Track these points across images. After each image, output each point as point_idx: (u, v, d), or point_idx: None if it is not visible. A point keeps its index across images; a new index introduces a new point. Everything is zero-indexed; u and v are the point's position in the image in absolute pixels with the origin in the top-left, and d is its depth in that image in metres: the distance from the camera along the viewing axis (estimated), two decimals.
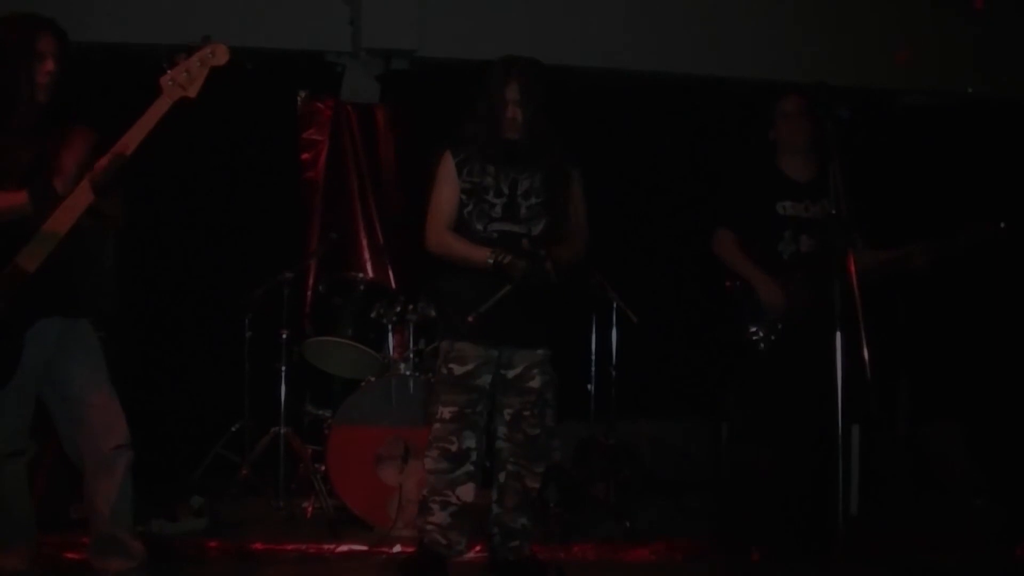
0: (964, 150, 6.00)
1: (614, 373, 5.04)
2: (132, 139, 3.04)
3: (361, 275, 5.32)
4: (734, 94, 5.69)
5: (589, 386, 5.20)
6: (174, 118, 3.11)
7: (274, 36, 5.34)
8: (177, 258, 5.43)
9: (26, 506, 3.34)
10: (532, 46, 4.13)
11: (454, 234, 3.71)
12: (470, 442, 3.71)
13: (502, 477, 3.80)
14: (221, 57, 3.10)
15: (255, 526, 4.43)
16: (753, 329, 4.04)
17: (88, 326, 3.32)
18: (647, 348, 5.35)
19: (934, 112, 6.16)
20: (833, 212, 3.24)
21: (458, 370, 3.69)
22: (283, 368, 4.80)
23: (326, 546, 4.18)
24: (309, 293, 5.54)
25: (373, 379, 4.67)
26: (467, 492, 3.72)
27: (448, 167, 3.72)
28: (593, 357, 5.19)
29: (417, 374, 4.54)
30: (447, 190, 3.72)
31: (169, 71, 3.07)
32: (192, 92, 3.07)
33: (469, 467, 3.72)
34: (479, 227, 3.69)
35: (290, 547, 4.16)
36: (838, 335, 3.03)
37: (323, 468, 4.59)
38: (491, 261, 3.58)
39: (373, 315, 4.76)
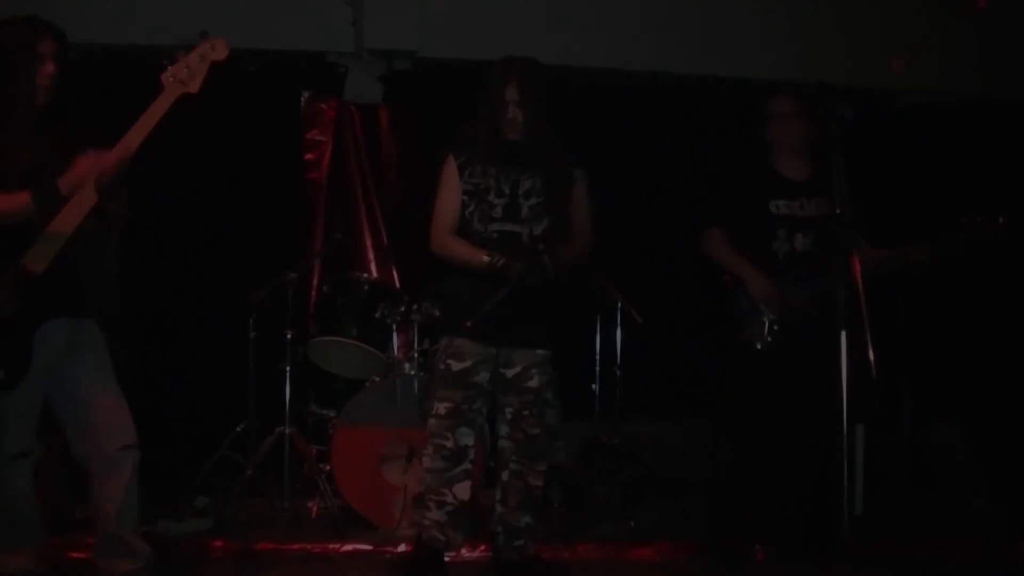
0: (964, 150, 6.00)
1: (618, 373, 5.06)
2: (135, 137, 3.05)
3: (365, 275, 5.32)
4: (734, 94, 5.68)
5: (594, 386, 5.22)
6: (178, 120, 3.12)
7: (276, 37, 5.33)
8: (182, 259, 5.43)
9: (32, 507, 3.34)
10: (532, 46, 4.13)
11: (455, 237, 3.73)
12: (467, 440, 3.71)
13: (505, 476, 3.81)
14: (221, 52, 3.11)
15: (260, 526, 4.45)
16: (750, 331, 4.05)
17: (94, 326, 3.33)
18: (648, 348, 5.36)
19: (934, 112, 6.16)
20: (837, 211, 3.24)
21: (456, 366, 3.70)
22: (287, 368, 4.79)
23: (331, 546, 4.19)
24: (313, 293, 5.54)
25: (377, 379, 4.69)
26: (464, 490, 3.73)
27: (450, 171, 3.74)
28: (597, 357, 5.21)
29: (421, 374, 4.55)
30: (449, 194, 3.74)
31: (169, 68, 3.08)
32: (193, 87, 3.08)
33: (467, 465, 3.72)
34: (480, 227, 3.71)
35: (295, 547, 4.17)
36: (843, 335, 3.03)
37: (327, 468, 4.59)
38: (487, 263, 3.61)
39: (377, 315, 4.77)
